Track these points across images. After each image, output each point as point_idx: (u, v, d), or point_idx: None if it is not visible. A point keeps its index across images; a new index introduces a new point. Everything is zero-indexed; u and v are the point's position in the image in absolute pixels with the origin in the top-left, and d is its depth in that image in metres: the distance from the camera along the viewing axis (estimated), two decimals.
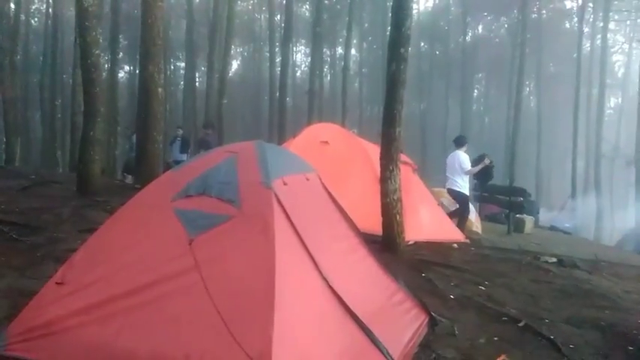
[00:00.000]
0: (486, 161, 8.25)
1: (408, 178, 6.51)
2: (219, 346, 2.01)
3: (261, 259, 2.26)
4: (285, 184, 2.75)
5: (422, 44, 36.99)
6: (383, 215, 5.52)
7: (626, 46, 34.54)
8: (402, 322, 2.87)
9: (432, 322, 3.12)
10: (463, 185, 7.98)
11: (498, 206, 10.74)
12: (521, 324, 3.40)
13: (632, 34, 32.34)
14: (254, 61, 40.04)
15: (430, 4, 39.32)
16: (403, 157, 6.61)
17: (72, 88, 13.85)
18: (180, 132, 12.39)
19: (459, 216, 8.06)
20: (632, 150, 23.18)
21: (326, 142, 7.00)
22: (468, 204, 8.40)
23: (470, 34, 36.16)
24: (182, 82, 32.16)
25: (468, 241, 6.75)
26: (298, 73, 40.81)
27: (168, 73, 29.07)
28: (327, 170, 5.66)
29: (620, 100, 38.19)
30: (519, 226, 9.30)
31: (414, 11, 35.24)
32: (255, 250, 2.32)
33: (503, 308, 3.77)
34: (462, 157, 8.00)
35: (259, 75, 37.56)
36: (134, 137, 9.95)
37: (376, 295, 2.94)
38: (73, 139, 13.63)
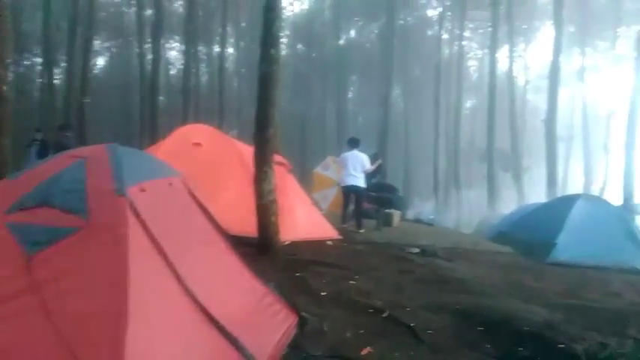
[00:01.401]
0: (379, 160, 9.30)
1: (283, 179, 6.58)
2: None
3: (113, 274, 2.08)
4: (142, 190, 2.57)
5: (299, 46, 37.79)
6: (258, 217, 5.50)
7: (479, 52, 38.59)
8: (271, 324, 2.87)
9: (302, 322, 3.17)
10: (363, 182, 8.84)
11: (369, 202, 11.37)
12: (385, 314, 3.60)
13: (484, 42, 36.38)
14: (122, 58, 37.40)
15: (305, 6, 40.20)
16: (278, 157, 6.66)
17: None
18: (40, 135, 11.04)
19: (357, 212, 8.90)
20: (484, 146, 26.08)
21: (198, 144, 6.78)
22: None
23: (344, 37, 37.74)
24: (39, 80, 28.88)
25: (341, 237, 7.02)
26: (173, 72, 39.04)
27: (22, 69, 25.94)
28: (199, 173, 5.50)
29: (474, 101, 42.70)
30: (388, 221, 9.91)
31: (290, 13, 35.83)
32: (105, 264, 2.13)
33: (370, 301, 3.97)
34: (364, 156, 8.89)
35: (128, 72, 35.18)
36: None
37: (244, 299, 2.90)
38: None
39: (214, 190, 5.91)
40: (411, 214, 19.26)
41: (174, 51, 38.64)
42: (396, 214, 10.25)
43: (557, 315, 4.28)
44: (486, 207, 22.68)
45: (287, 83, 37.91)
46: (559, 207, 9.25)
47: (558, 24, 19.21)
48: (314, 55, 38.05)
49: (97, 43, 28.18)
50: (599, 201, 9.77)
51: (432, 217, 20.97)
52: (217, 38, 32.16)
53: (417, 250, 6.82)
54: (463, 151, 30.27)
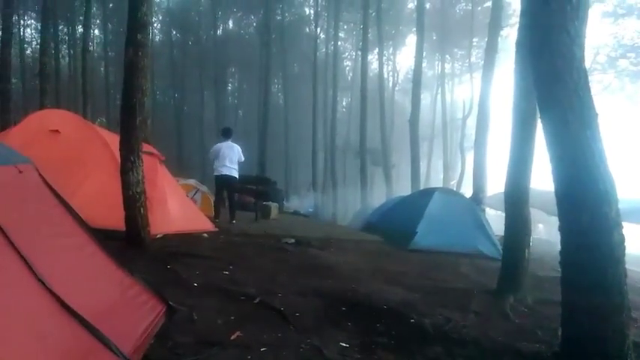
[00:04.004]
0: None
1: (153, 170, 6.31)
2: None
3: None
4: None
5: (174, 32, 36.17)
6: (125, 209, 5.22)
7: (353, 53, 40.50)
8: (136, 316, 2.78)
9: (170, 312, 3.11)
10: (237, 173, 8.81)
11: (248, 195, 11.41)
12: (256, 301, 3.69)
13: (357, 44, 38.25)
14: None
15: None
16: (148, 147, 6.38)
17: None
18: None
19: (231, 203, 8.91)
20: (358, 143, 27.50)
21: (56, 131, 6.20)
22: None
23: (221, 27, 36.99)
24: None
25: (217, 229, 6.96)
26: (28, 51, 34.86)
27: None
28: (57, 162, 5.07)
29: (350, 100, 44.76)
30: (266, 213, 10.05)
31: None
32: None
33: (242, 289, 4.02)
34: (239, 148, 8.84)
35: None
36: None
37: (107, 291, 2.77)
38: None
39: (76, 180, 5.49)
40: (290, 206, 19.68)
41: (30, 29, 34.58)
42: (273, 207, 10.43)
43: (412, 294, 4.76)
44: (360, 200, 23.96)
45: (162, 72, 36.18)
46: (419, 199, 10.17)
47: (420, 31, 20.81)
48: (191, 44, 36.76)
49: None
50: (452, 194, 10.93)
51: (310, 210, 21.66)
52: (81, 18, 29.41)
53: (292, 241, 7.02)
54: (340, 148, 31.57)
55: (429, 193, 10.31)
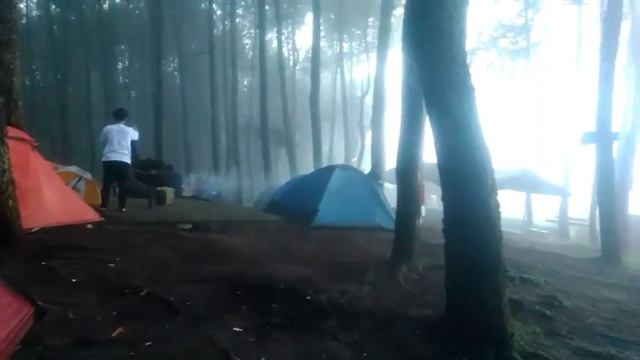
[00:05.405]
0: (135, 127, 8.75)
1: (25, 157, 5.65)
2: None
3: None
4: None
5: (52, 7, 32.79)
6: None
7: (252, 31, 39.59)
8: None
9: (40, 313, 2.78)
10: (128, 158, 8.17)
11: (141, 180, 10.73)
12: (143, 293, 3.45)
13: (256, 21, 37.41)
14: None
15: None
16: (17, 132, 5.70)
17: None
18: None
19: (122, 190, 8.37)
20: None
21: None
22: None
23: (107, 1, 34.22)
24: None
25: (103, 219, 6.45)
26: None
27: None
28: None
29: (251, 79, 43.91)
30: (161, 199, 9.54)
31: None
32: None
33: (128, 281, 3.74)
34: (131, 130, 8.24)
35: None
36: None
37: None
38: None
39: None
40: (190, 190, 18.97)
41: None
42: (169, 192, 9.91)
43: (311, 271, 4.78)
44: (264, 181, 23.80)
45: (41, 51, 32.68)
46: (320, 177, 10.28)
47: (317, 9, 20.82)
48: (73, 19, 33.57)
49: None
50: (351, 170, 11.19)
51: (214, 193, 21.04)
52: None
53: (188, 226, 6.74)
54: (242, 128, 30.97)
55: (329, 170, 10.45)
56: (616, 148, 11.99)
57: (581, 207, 23.91)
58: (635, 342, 3.73)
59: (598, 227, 10.44)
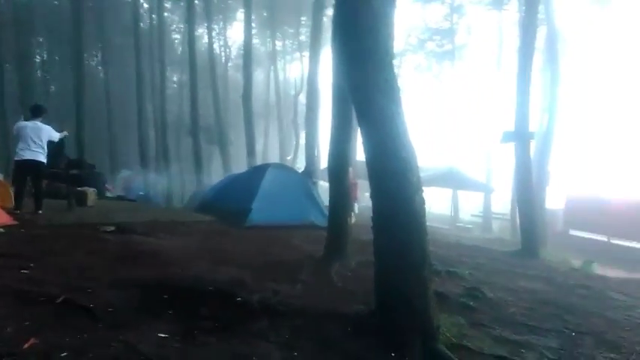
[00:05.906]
0: (65, 132, 8.31)
1: None
2: None
3: None
4: None
5: None
6: None
7: (181, 26, 38.17)
8: None
9: None
10: (44, 157, 7.64)
11: (59, 181, 10.04)
12: (59, 300, 3.22)
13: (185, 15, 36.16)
14: None
15: None
16: None
17: None
18: None
19: (37, 191, 7.80)
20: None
21: None
22: None
23: None
24: None
25: (17, 222, 5.97)
26: None
27: None
28: None
29: (181, 76, 42.40)
30: (81, 200, 8.99)
31: None
32: None
33: (43, 289, 3.47)
34: (49, 128, 7.74)
35: None
36: None
37: None
38: None
39: None
40: (117, 190, 18.03)
41: None
42: (90, 192, 9.33)
43: (243, 272, 4.70)
44: (196, 180, 23.13)
45: None
46: (253, 176, 10.17)
47: (248, 6, 20.49)
48: None
49: None
50: (285, 168, 11.18)
51: (141, 193, 20.13)
52: None
53: (112, 229, 6.40)
54: (172, 125, 29.90)
55: (262, 169, 10.37)
56: (533, 146, 12.89)
57: (503, 202, 25.49)
58: (551, 329, 4.01)
59: (518, 221, 11.15)
